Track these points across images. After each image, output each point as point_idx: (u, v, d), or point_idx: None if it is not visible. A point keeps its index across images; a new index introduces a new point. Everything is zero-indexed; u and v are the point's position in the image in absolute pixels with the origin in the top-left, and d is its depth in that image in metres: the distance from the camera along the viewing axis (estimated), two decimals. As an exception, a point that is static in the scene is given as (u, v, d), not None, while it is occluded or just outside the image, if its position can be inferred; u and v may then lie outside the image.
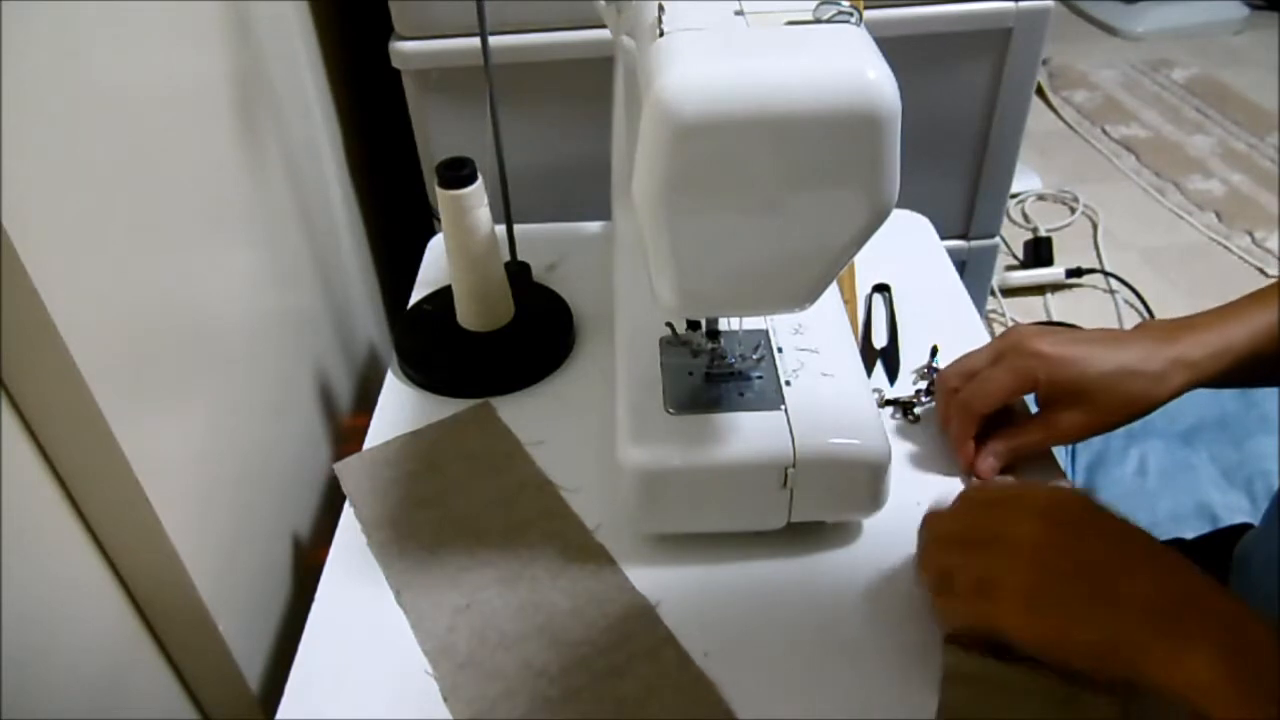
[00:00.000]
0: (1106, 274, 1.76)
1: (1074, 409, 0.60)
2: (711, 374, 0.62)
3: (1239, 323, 0.60)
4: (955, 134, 1.05)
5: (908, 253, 0.87)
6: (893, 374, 0.74)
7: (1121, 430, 0.89)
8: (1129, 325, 1.65)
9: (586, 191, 0.94)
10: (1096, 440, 0.89)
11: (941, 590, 0.54)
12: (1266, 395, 0.91)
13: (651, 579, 0.59)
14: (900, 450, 0.67)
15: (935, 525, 0.57)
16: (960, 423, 0.64)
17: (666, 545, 0.61)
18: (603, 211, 0.87)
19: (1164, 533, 0.79)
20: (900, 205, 0.48)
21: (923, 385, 0.72)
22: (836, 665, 0.55)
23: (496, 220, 0.74)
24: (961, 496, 0.57)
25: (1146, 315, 1.66)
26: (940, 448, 0.67)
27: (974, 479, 0.64)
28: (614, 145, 0.77)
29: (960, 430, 0.64)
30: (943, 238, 0.90)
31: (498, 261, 0.75)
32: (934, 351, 0.75)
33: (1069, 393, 0.60)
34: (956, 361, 0.67)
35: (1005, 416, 0.64)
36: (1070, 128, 2.29)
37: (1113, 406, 0.60)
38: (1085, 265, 1.76)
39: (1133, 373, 0.59)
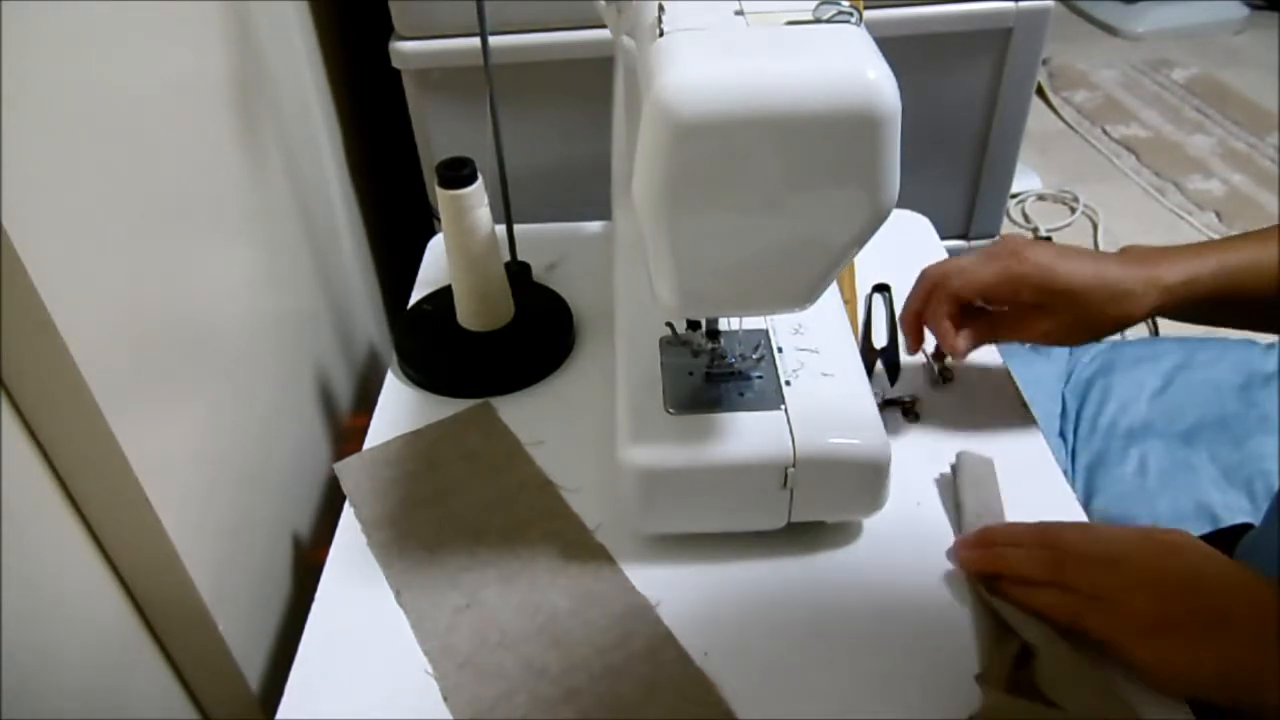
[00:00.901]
0: (1106, 274, 1.76)
1: (1052, 315, 0.62)
2: (711, 374, 0.62)
3: (1213, 257, 0.62)
4: (955, 134, 1.05)
5: (908, 253, 0.87)
6: (893, 374, 0.74)
7: (1122, 430, 0.89)
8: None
9: (586, 191, 0.94)
10: (1097, 440, 0.89)
11: (1019, 582, 0.55)
12: (1267, 395, 0.91)
13: (651, 579, 0.59)
14: (900, 450, 0.67)
15: (1026, 532, 0.57)
16: (939, 301, 0.66)
17: (666, 545, 0.61)
18: (603, 211, 0.87)
19: (1164, 533, 0.79)
20: (900, 205, 0.48)
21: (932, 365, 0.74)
22: (836, 665, 0.55)
23: (496, 220, 0.74)
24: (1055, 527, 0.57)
25: (1146, 315, 1.66)
26: (941, 448, 0.67)
27: (952, 352, 0.66)
28: (614, 145, 0.77)
29: (937, 308, 0.66)
30: (943, 238, 0.90)
31: (498, 261, 0.75)
32: (935, 351, 0.75)
33: (1050, 299, 0.62)
34: (945, 260, 0.69)
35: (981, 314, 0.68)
36: (1070, 128, 2.29)
37: (1088, 318, 0.62)
38: (1085, 265, 1.76)
39: (1111, 288, 0.61)
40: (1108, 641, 0.51)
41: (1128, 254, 0.64)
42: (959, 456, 0.65)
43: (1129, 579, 0.52)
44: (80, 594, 0.51)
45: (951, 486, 0.64)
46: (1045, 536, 0.56)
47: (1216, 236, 1.86)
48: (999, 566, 0.56)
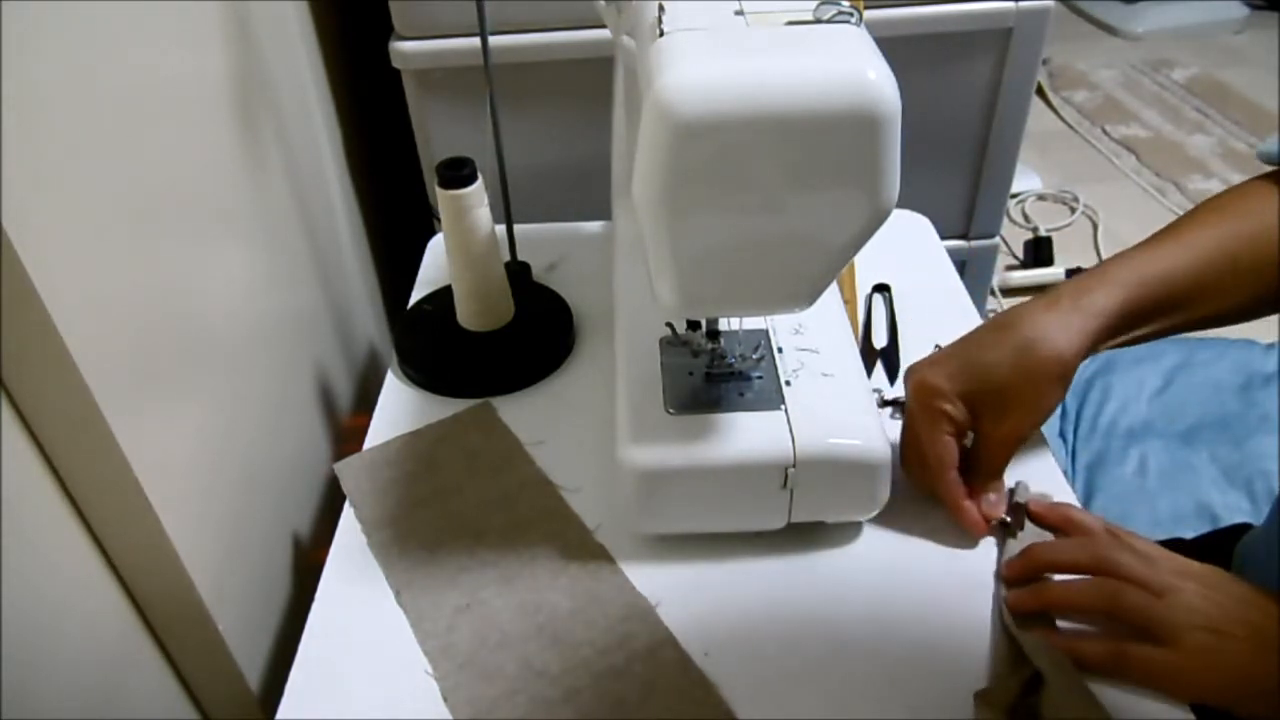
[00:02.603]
0: (1106, 274, 1.76)
1: (1001, 414, 0.58)
2: (711, 374, 0.62)
3: (1124, 264, 0.58)
4: (955, 134, 1.04)
5: (908, 253, 0.87)
6: (893, 374, 0.74)
7: (1122, 430, 0.89)
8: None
9: (586, 191, 0.94)
10: (1097, 440, 0.89)
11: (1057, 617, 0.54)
12: (1267, 395, 0.91)
13: (651, 579, 0.59)
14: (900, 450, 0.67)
15: (1076, 553, 0.56)
16: (942, 487, 0.60)
17: (666, 545, 0.61)
18: (603, 211, 0.87)
19: (1164, 533, 0.79)
20: (900, 205, 0.48)
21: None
22: (836, 665, 0.55)
23: (496, 220, 0.74)
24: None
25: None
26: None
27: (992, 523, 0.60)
28: (614, 145, 0.77)
29: (949, 493, 0.60)
30: (943, 238, 0.90)
31: (498, 261, 0.75)
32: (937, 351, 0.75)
33: (987, 403, 0.58)
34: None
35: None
36: (1070, 128, 2.29)
37: (1028, 394, 0.57)
38: (1085, 265, 1.76)
39: (1030, 355, 0.56)
40: (1164, 678, 0.50)
41: (1022, 309, 0.59)
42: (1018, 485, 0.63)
43: (1186, 608, 0.51)
44: (80, 594, 0.51)
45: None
46: (1099, 561, 0.54)
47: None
48: (1051, 605, 0.55)
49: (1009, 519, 0.61)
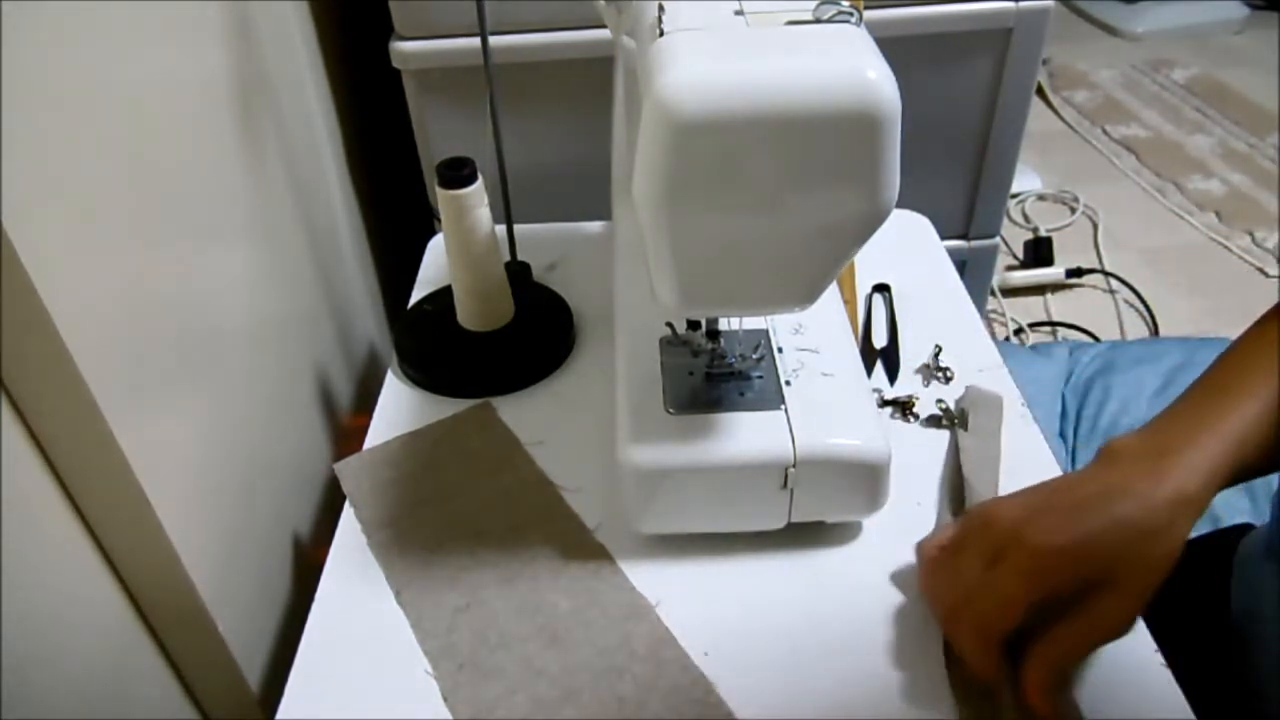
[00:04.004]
0: (1106, 274, 1.76)
1: (1106, 595, 0.50)
2: (711, 374, 0.62)
3: (1219, 433, 0.53)
4: (955, 134, 1.05)
5: (908, 253, 0.87)
6: (893, 374, 0.74)
7: (1122, 430, 0.89)
8: (1129, 325, 1.65)
9: (586, 191, 0.94)
10: (1097, 440, 0.89)
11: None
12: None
13: (651, 579, 0.59)
14: (900, 450, 0.67)
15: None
16: (982, 650, 0.51)
17: (666, 545, 0.61)
18: (603, 211, 0.87)
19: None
20: (900, 205, 0.48)
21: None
22: (836, 665, 0.55)
23: (496, 220, 0.74)
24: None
25: (1146, 315, 1.66)
26: (939, 447, 0.67)
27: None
28: (614, 145, 0.77)
29: (986, 659, 0.51)
30: (943, 238, 0.90)
31: (498, 261, 0.75)
32: (938, 351, 0.75)
33: (1094, 580, 0.50)
34: (934, 549, 0.57)
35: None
36: (1070, 128, 2.29)
37: (1139, 578, 0.50)
38: (1085, 265, 1.76)
39: (1140, 532, 0.50)
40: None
41: (1123, 466, 0.53)
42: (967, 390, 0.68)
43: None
44: (80, 594, 0.51)
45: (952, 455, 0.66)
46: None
47: (1217, 236, 1.87)
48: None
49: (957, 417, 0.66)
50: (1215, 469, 0.52)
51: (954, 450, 0.67)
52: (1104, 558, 0.50)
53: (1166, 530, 0.50)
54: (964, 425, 0.68)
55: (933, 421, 0.70)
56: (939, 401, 0.71)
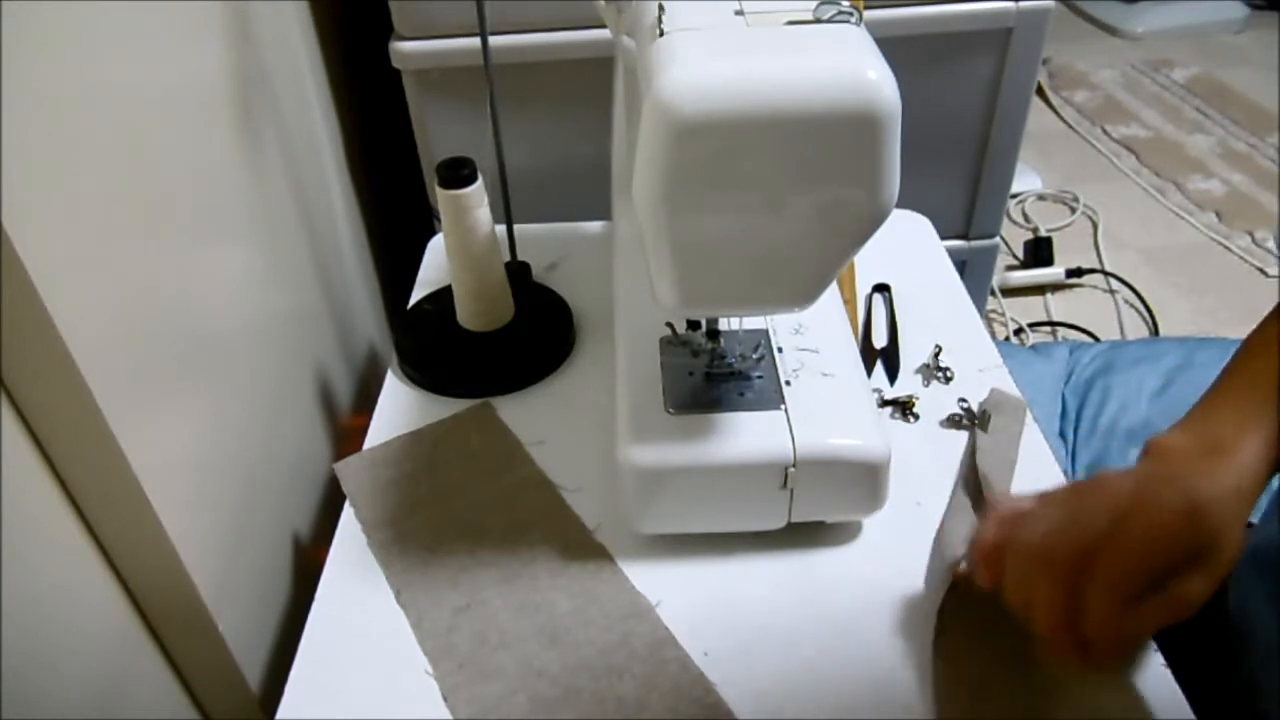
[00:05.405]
0: (1106, 274, 1.76)
1: (1193, 574, 0.48)
2: (711, 374, 0.62)
3: (1263, 430, 0.51)
4: (955, 134, 1.05)
5: (908, 253, 0.87)
6: (893, 374, 0.74)
7: (1122, 430, 0.89)
8: (1129, 325, 1.65)
9: (586, 191, 0.94)
10: (1097, 440, 0.89)
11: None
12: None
13: (651, 579, 0.59)
14: (900, 450, 0.67)
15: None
16: (1118, 604, 0.47)
17: (666, 545, 0.61)
18: (603, 211, 0.87)
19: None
20: (900, 205, 0.48)
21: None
22: (836, 665, 0.55)
23: (496, 220, 0.74)
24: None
25: (1146, 315, 1.66)
26: (940, 447, 0.67)
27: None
28: (614, 145, 0.77)
29: (1115, 616, 0.47)
30: (943, 238, 0.90)
31: (498, 261, 0.75)
32: (938, 351, 0.75)
33: (1195, 551, 0.48)
34: (1019, 512, 0.52)
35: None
36: (1070, 128, 2.29)
37: (1228, 558, 0.48)
38: (1085, 265, 1.76)
39: (1224, 516, 0.48)
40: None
41: (1173, 460, 0.51)
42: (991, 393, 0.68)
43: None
44: (80, 595, 0.51)
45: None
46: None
47: (1217, 236, 1.86)
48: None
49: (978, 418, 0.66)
50: (1259, 472, 0.51)
51: (971, 450, 0.67)
52: (1214, 527, 0.48)
53: (1234, 521, 0.49)
54: (984, 427, 0.68)
55: (952, 422, 0.69)
56: (960, 400, 0.70)
